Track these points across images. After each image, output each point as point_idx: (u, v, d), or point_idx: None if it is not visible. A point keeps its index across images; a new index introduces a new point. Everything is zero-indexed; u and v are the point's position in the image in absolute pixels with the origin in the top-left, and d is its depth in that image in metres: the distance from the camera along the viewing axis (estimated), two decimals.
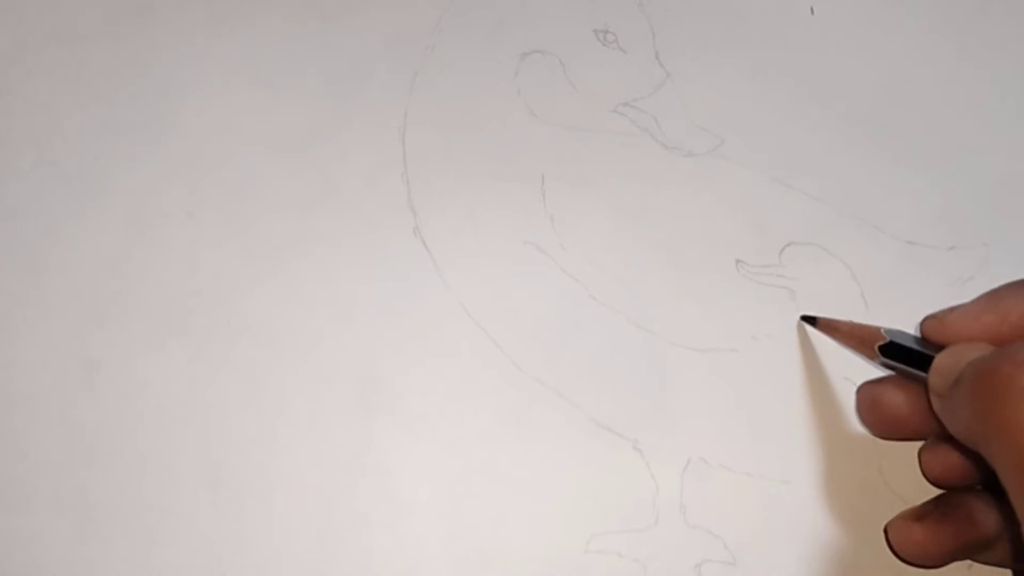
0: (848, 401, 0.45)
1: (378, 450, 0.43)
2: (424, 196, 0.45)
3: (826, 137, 0.48)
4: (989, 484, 0.42)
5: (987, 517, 0.41)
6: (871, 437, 0.45)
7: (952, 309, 0.40)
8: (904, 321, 0.46)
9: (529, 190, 0.46)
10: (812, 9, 0.49)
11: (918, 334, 0.41)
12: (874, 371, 0.43)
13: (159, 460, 0.42)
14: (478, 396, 0.44)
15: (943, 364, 0.38)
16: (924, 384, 0.39)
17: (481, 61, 0.47)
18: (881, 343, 0.41)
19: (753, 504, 0.44)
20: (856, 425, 0.45)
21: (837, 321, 0.44)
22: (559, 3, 0.48)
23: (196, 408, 0.43)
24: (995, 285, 0.47)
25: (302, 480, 0.43)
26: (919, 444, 0.44)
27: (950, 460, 0.41)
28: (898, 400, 0.42)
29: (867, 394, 0.43)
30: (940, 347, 0.39)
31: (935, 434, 0.41)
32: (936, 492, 0.44)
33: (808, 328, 0.45)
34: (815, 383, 0.45)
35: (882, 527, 0.44)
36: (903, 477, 0.45)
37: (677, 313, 0.46)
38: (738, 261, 0.46)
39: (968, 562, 0.44)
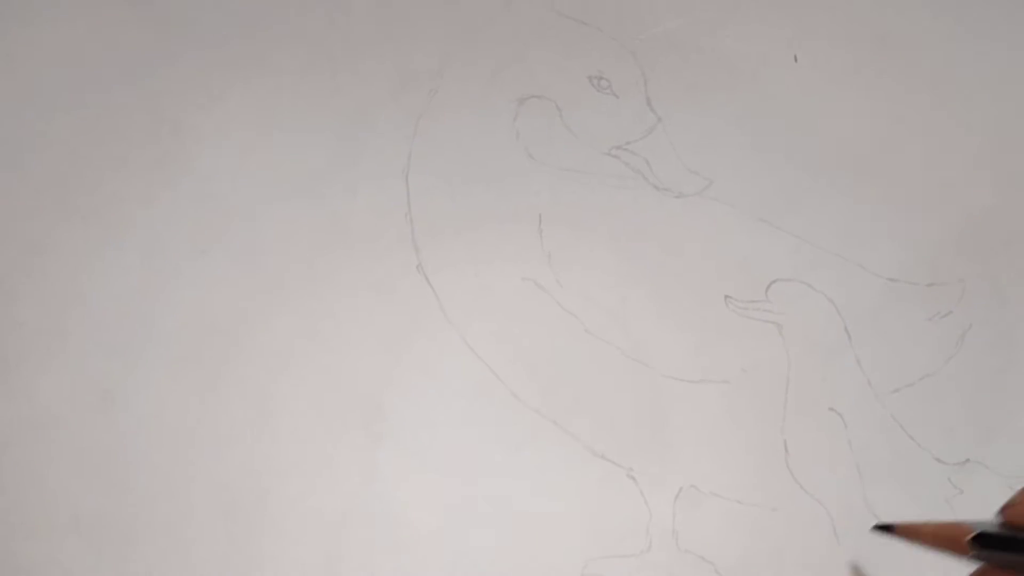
0: (832, 429, 0.47)
1: (383, 479, 0.45)
2: (427, 234, 0.47)
3: (810, 179, 0.50)
4: None
5: None
6: (851, 468, 0.47)
7: None
8: (887, 354, 0.48)
9: (527, 229, 0.48)
10: (796, 57, 0.52)
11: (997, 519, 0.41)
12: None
13: (173, 486, 0.44)
14: (479, 426, 0.46)
15: None
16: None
17: (481, 106, 0.49)
18: (971, 535, 0.40)
19: (743, 530, 0.46)
20: (842, 455, 0.47)
21: (918, 524, 0.42)
22: (555, 50, 0.50)
23: (208, 437, 0.45)
24: (971, 319, 0.49)
25: (310, 507, 0.44)
26: (910, 449, 0.46)
27: None
28: None
29: None
30: None
31: None
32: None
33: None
34: (803, 412, 0.47)
35: (866, 551, 0.46)
36: (888, 504, 0.47)
37: (669, 346, 0.48)
38: (727, 297, 0.48)
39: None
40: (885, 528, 0.44)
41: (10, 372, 0.45)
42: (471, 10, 0.50)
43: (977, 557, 0.40)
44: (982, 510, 0.47)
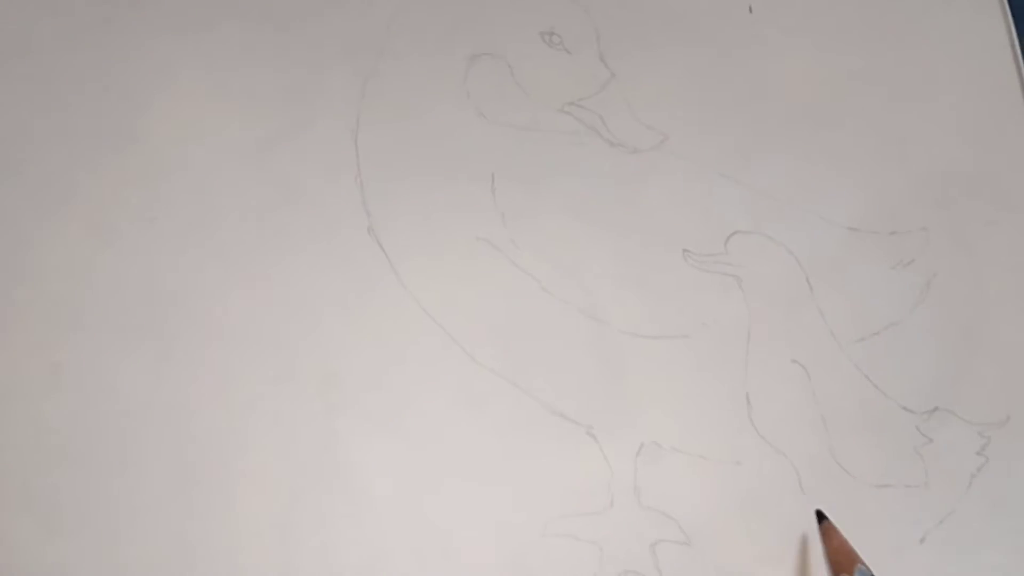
0: (795, 381, 0.47)
1: (339, 445, 0.44)
2: (378, 197, 0.47)
3: (767, 132, 0.50)
4: None
5: None
6: (816, 420, 0.47)
7: None
8: (850, 304, 0.48)
9: (480, 188, 0.47)
10: (751, 8, 0.51)
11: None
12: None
13: (127, 459, 0.43)
14: (435, 389, 0.45)
15: None
16: None
17: (431, 65, 0.48)
18: None
19: (707, 485, 0.45)
20: (805, 407, 0.47)
21: (835, 531, 0.43)
22: (506, 7, 0.49)
23: (162, 408, 0.44)
24: (936, 267, 0.49)
25: (267, 476, 0.44)
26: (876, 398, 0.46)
27: None
28: None
29: None
30: None
31: None
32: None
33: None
34: (765, 365, 0.47)
35: (833, 503, 0.45)
36: (855, 455, 0.46)
37: (627, 303, 0.47)
38: (685, 251, 0.48)
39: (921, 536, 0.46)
40: (820, 516, 0.45)
41: None
42: None
43: None
44: (953, 460, 0.47)
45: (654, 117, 0.49)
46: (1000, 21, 0.53)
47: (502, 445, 0.45)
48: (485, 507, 0.44)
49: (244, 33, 0.48)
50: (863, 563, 0.41)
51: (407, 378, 0.45)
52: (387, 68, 0.48)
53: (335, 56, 0.48)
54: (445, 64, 0.49)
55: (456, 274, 0.46)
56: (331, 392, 0.45)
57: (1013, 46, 0.52)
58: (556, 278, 0.47)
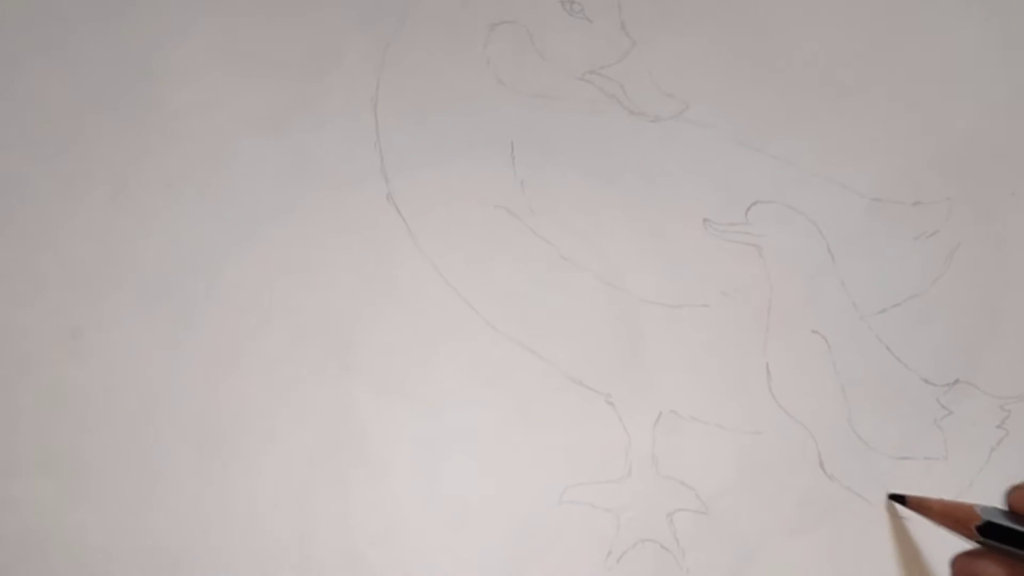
0: (815, 351, 0.46)
1: (356, 413, 0.44)
2: (397, 164, 0.47)
3: (790, 100, 0.49)
4: None
5: None
6: (836, 391, 0.46)
7: None
8: (872, 275, 0.47)
9: (499, 156, 0.47)
10: None
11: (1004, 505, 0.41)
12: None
13: (147, 424, 0.44)
14: (453, 356, 0.45)
15: None
16: None
17: (451, 32, 0.48)
18: (978, 523, 0.40)
19: (724, 455, 0.45)
20: (826, 378, 0.46)
21: (928, 500, 0.43)
22: None
23: (181, 373, 0.44)
24: (959, 238, 0.48)
25: (283, 441, 0.44)
26: (897, 370, 0.45)
27: None
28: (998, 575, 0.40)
29: (964, 567, 0.41)
30: None
31: None
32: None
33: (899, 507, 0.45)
34: (785, 335, 0.46)
35: (850, 472, 0.45)
36: (875, 426, 0.46)
37: (647, 271, 0.47)
38: (705, 220, 0.47)
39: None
40: (898, 498, 0.44)
41: None
42: None
43: (984, 544, 0.40)
44: (974, 432, 0.47)
45: (675, 86, 0.49)
46: None
47: (520, 412, 0.45)
48: (502, 474, 0.44)
49: (262, 2, 0.48)
50: (976, 505, 0.41)
51: (425, 345, 0.45)
52: (406, 36, 0.48)
53: (354, 24, 0.48)
54: (465, 32, 0.48)
55: (475, 242, 0.46)
56: (348, 359, 0.45)
57: None
58: (575, 246, 0.47)
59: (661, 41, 0.49)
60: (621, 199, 0.47)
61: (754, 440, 0.45)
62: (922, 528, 0.45)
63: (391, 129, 0.47)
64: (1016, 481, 0.41)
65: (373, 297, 0.45)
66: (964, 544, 0.41)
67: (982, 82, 0.51)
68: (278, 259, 0.46)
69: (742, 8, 0.50)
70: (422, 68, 0.48)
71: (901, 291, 0.48)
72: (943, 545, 0.43)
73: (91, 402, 0.44)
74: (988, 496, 0.45)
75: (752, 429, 0.45)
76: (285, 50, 0.48)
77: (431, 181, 0.47)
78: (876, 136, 0.49)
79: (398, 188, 0.46)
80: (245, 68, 0.47)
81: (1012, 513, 0.40)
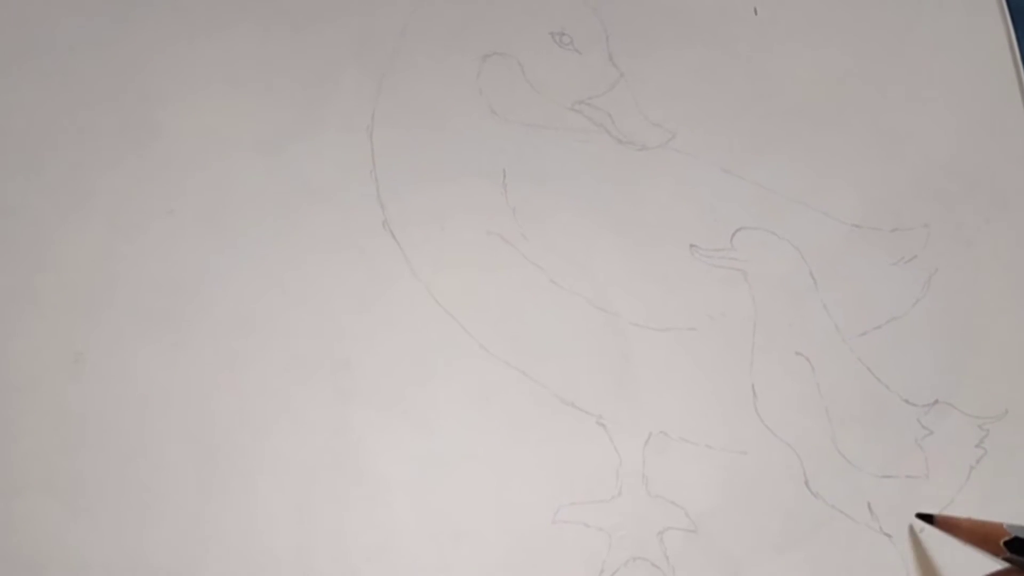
0: (799, 373, 0.48)
1: (353, 432, 0.45)
2: (392, 191, 0.48)
3: (772, 130, 0.51)
4: None
5: None
6: (820, 411, 0.48)
7: None
8: (853, 298, 0.49)
9: (492, 184, 0.48)
10: (756, 10, 0.52)
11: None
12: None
13: (146, 444, 0.44)
14: (447, 378, 0.46)
15: None
16: None
17: (444, 63, 0.50)
18: (1007, 539, 0.41)
19: (713, 474, 0.46)
20: (810, 399, 0.48)
21: (956, 518, 0.44)
22: (517, 8, 0.51)
23: (180, 395, 0.45)
24: (937, 263, 0.50)
25: (281, 462, 0.45)
26: (878, 391, 0.47)
27: None
28: None
29: None
30: None
31: None
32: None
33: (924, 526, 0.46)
34: (770, 357, 0.48)
35: (834, 490, 0.46)
36: (858, 445, 0.47)
37: (636, 295, 0.48)
38: (692, 246, 0.49)
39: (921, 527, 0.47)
40: (926, 517, 0.45)
41: None
42: None
43: (1010, 560, 0.41)
44: (953, 451, 0.48)
45: (662, 115, 0.50)
46: (999, 20, 0.54)
47: (513, 434, 0.46)
48: (497, 494, 0.45)
49: (260, 32, 0.49)
50: (1005, 524, 0.41)
51: (420, 368, 0.46)
52: (401, 66, 0.49)
53: (350, 54, 0.49)
54: (458, 63, 0.50)
55: (469, 267, 0.47)
56: (345, 381, 0.46)
57: (1012, 45, 0.53)
58: (566, 271, 0.48)
59: (648, 72, 0.51)
60: (610, 225, 0.49)
61: (741, 459, 0.47)
62: (944, 551, 0.46)
63: (387, 157, 0.48)
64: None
65: (369, 320, 0.46)
66: (992, 565, 0.42)
67: (958, 112, 0.52)
68: (276, 283, 0.47)
69: (726, 41, 0.52)
70: (417, 97, 0.49)
71: (882, 314, 0.49)
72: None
73: (91, 423, 0.44)
74: (971, 513, 0.47)
75: (739, 449, 0.47)
76: (282, 79, 0.49)
77: (426, 208, 0.48)
78: (856, 165, 0.51)
79: (394, 215, 0.48)
80: (243, 95, 0.49)
81: None
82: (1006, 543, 0.41)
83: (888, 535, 0.46)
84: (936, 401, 0.48)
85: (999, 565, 0.42)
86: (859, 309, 0.49)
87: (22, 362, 0.45)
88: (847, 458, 0.47)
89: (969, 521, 0.43)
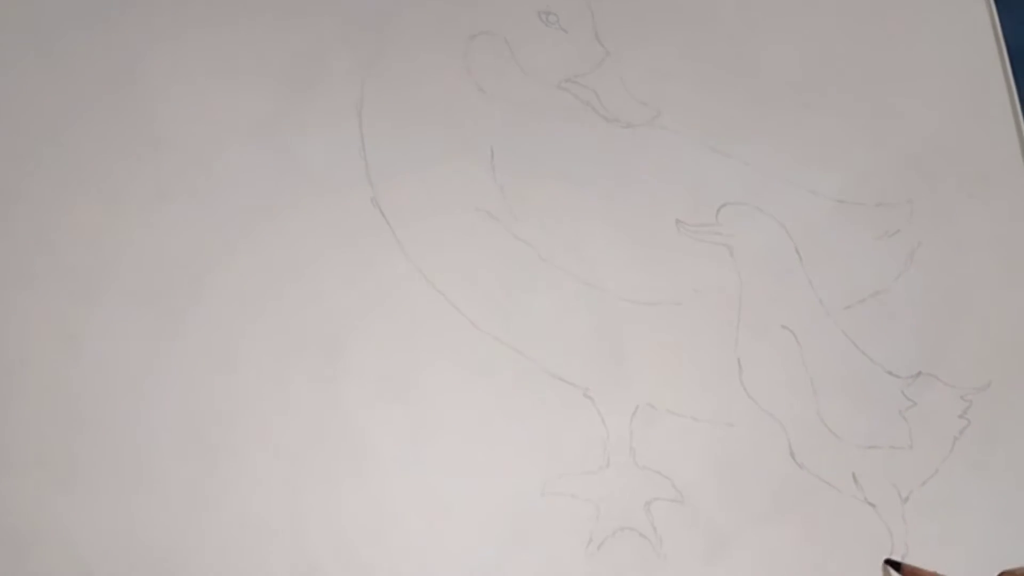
0: (784, 346, 0.48)
1: (344, 408, 0.46)
2: (381, 169, 0.48)
3: (757, 107, 0.51)
4: None
5: None
6: (805, 384, 0.48)
7: None
8: (837, 273, 0.49)
9: (480, 162, 0.49)
10: None
11: None
12: None
13: (139, 423, 0.45)
14: (438, 354, 0.47)
15: None
16: None
17: (432, 43, 0.50)
18: None
19: (699, 446, 0.47)
20: (795, 371, 0.48)
21: (922, 571, 0.45)
22: None
23: (172, 373, 0.45)
24: (920, 238, 0.50)
25: (274, 439, 0.45)
26: (862, 363, 0.47)
27: None
28: None
29: None
30: None
31: None
32: None
33: None
34: (756, 331, 0.48)
35: (819, 462, 0.47)
36: (842, 417, 0.48)
37: (623, 271, 0.48)
38: (678, 221, 0.49)
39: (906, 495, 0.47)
40: (894, 565, 0.46)
41: None
42: None
43: None
44: (937, 422, 0.48)
45: (647, 93, 0.51)
46: (982, 2, 0.54)
47: (502, 407, 0.46)
48: (486, 467, 0.46)
49: (250, 18, 0.50)
50: None
51: (410, 344, 0.47)
52: (389, 48, 0.50)
53: (339, 35, 0.50)
54: (446, 42, 0.50)
55: (457, 244, 0.48)
56: (336, 358, 0.46)
57: (994, 25, 0.54)
58: (554, 247, 0.48)
59: (633, 51, 0.52)
60: (597, 202, 0.49)
61: (727, 431, 0.47)
62: None
63: (375, 136, 0.49)
64: (1009, 566, 0.43)
65: (359, 298, 0.47)
66: None
67: (940, 89, 0.53)
68: (267, 262, 0.47)
69: (711, 19, 0.53)
70: (405, 77, 0.50)
71: (865, 288, 0.50)
72: None
73: (85, 402, 0.45)
74: (954, 486, 0.47)
75: (725, 421, 0.47)
76: (272, 61, 0.49)
77: (415, 186, 0.48)
78: (840, 141, 0.52)
79: (383, 193, 0.48)
80: (233, 78, 0.49)
81: None
82: None
83: (872, 504, 0.47)
84: (919, 373, 0.49)
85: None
86: (843, 283, 0.50)
87: (17, 342, 0.45)
88: (832, 430, 0.48)
89: (934, 575, 0.44)
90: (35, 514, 0.44)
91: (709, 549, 0.46)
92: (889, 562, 0.46)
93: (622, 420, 0.47)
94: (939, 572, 0.44)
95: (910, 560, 0.46)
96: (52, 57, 0.49)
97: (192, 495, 0.44)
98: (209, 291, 0.47)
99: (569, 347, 0.47)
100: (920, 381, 0.49)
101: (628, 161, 0.50)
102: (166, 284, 0.46)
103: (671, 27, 0.52)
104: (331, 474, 0.45)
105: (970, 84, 0.53)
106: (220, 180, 0.48)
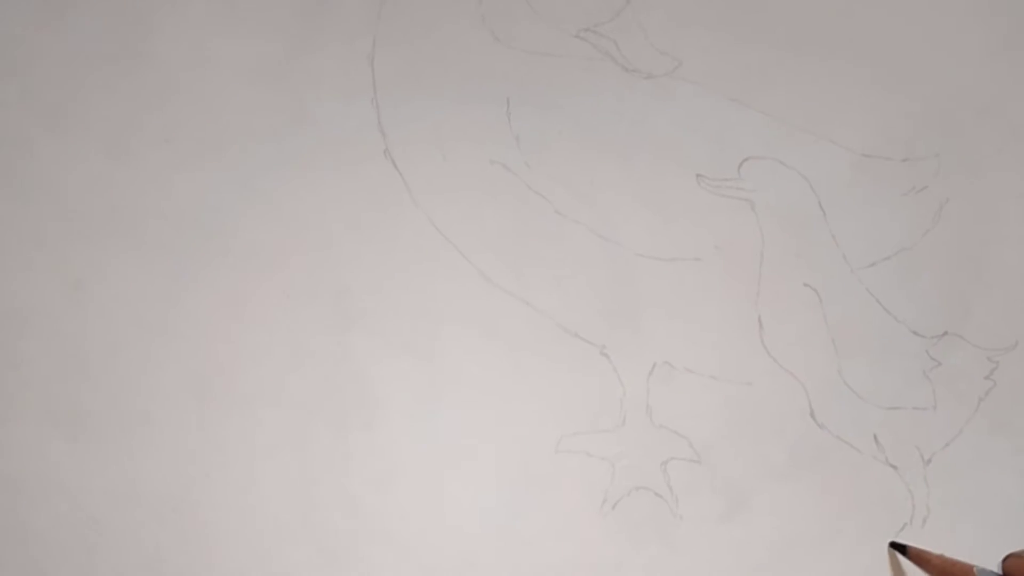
0: (806, 304, 0.47)
1: (354, 360, 0.45)
2: (393, 119, 0.47)
3: (780, 59, 0.50)
4: None
5: None
6: (826, 343, 0.47)
7: None
8: (862, 229, 0.48)
9: (495, 112, 0.48)
10: None
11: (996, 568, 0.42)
12: None
13: (146, 372, 0.44)
14: (449, 307, 0.46)
15: None
16: None
17: None
18: None
19: (717, 405, 0.46)
20: (817, 330, 0.47)
21: (928, 553, 0.44)
22: None
23: (179, 323, 0.45)
24: (948, 193, 0.49)
25: (282, 389, 0.44)
26: (886, 322, 0.46)
27: None
28: None
29: None
30: None
31: None
32: None
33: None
34: (777, 288, 0.47)
35: (840, 421, 0.46)
36: (864, 377, 0.47)
37: (641, 225, 0.47)
38: (698, 175, 0.48)
39: (928, 457, 0.46)
40: (899, 547, 0.45)
41: None
42: None
43: None
44: (962, 383, 0.47)
45: (668, 43, 0.49)
46: None
47: (516, 363, 0.45)
48: (499, 423, 0.45)
49: None
50: (976, 567, 0.42)
51: (421, 296, 0.46)
52: None
53: None
54: None
55: (470, 196, 0.47)
56: (345, 308, 0.45)
57: None
58: (570, 201, 0.47)
59: None
60: (615, 154, 0.48)
61: (746, 390, 0.46)
62: None
63: (388, 84, 0.47)
64: (1015, 548, 0.42)
65: (370, 248, 0.46)
66: None
67: (970, 42, 0.51)
68: (276, 211, 0.46)
69: None
70: (417, 24, 0.48)
71: (891, 245, 0.48)
72: None
73: (92, 351, 0.44)
74: (977, 448, 0.46)
75: (744, 380, 0.46)
76: (281, 6, 0.48)
77: (427, 136, 0.47)
78: (866, 94, 0.50)
79: (395, 142, 0.47)
80: (241, 23, 0.48)
81: None
82: None
83: (894, 466, 0.46)
84: (945, 333, 0.48)
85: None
86: (868, 240, 0.48)
87: (22, 290, 0.45)
88: (854, 390, 0.47)
89: (940, 558, 0.43)
90: (40, 463, 0.43)
91: (726, 509, 0.45)
92: (894, 545, 0.45)
93: (639, 378, 0.46)
94: (946, 554, 0.43)
95: (930, 524, 0.45)
96: (59, 4, 0.48)
97: (200, 445, 0.44)
98: (217, 240, 0.46)
99: (584, 303, 0.46)
100: (945, 341, 0.48)
101: (648, 113, 0.48)
102: (174, 232, 0.46)
103: None
104: (339, 427, 0.44)
105: (1001, 37, 0.51)
106: (226, 126, 0.47)
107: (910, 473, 0.46)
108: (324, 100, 0.47)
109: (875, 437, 0.46)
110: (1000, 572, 0.42)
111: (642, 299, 0.46)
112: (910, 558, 0.44)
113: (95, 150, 0.46)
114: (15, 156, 0.46)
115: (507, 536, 0.44)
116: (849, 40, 0.51)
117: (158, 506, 0.43)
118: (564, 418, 0.45)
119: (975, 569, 0.41)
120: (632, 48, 0.49)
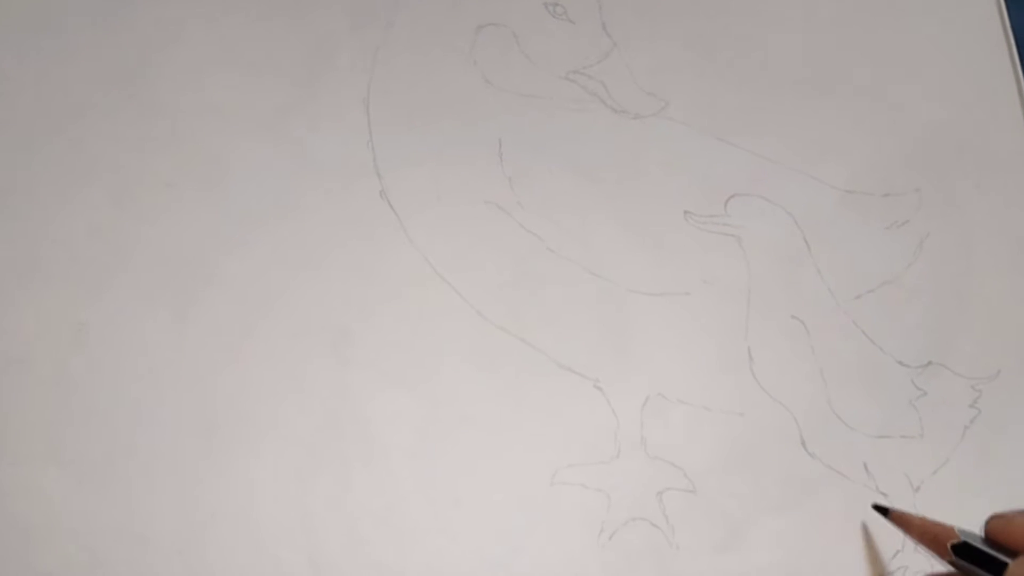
0: (794, 336, 0.48)
1: (353, 399, 0.46)
2: (389, 161, 0.48)
3: (764, 97, 0.51)
4: None
5: None
6: (815, 373, 0.48)
7: (1020, 512, 0.41)
8: (846, 263, 0.49)
9: (488, 153, 0.49)
10: None
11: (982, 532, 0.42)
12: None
13: (149, 414, 0.45)
14: (446, 345, 0.47)
15: (1016, 574, 0.39)
16: None
17: (439, 35, 0.50)
18: (954, 542, 0.41)
19: (710, 435, 0.47)
20: (805, 361, 0.48)
21: (909, 516, 0.44)
22: None
23: (182, 364, 0.45)
24: (928, 228, 0.50)
25: (283, 430, 0.45)
26: (872, 353, 0.48)
27: None
28: None
29: None
30: (1012, 552, 0.40)
31: None
32: None
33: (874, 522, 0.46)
34: (765, 320, 0.48)
35: (830, 451, 0.47)
36: (852, 407, 0.48)
37: (631, 262, 0.48)
38: (686, 212, 0.49)
39: (917, 485, 0.47)
40: (881, 510, 0.45)
41: None
42: None
43: (954, 564, 0.41)
44: (947, 412, 0.48)
45: (655, 84, 0.51)
46: None
47: (512, 398, 0.46)
48: (496, 457, 0.46)
49: (258, 9, 0.50)
50: (956, 527, 0.42)
51: (419, 335, 0.47)
52: (396, 39, 0.50)
53: (345, 27, 0.50)
54: (452, 34, 0.50)
55: (465, 235, 0.48)
56: (346, 349, 0.46)
57: (1001, 12, 0.54)
58: (562, 238, 0.48)
59: (641, 42, 0.52)
60: (605, 193, 0.49)
61: (738, 421, 0.47)
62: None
63: (383, 128, 0.49)
64: (998, 509, 0.42)
65: (368, 289, 0.47)
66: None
67: (947, 78, 0.53)
68: (276, 254, 0.47)
69: (717, 10, 0.53)
70: (411, 69, 0.50)
71: (874, 278, 0.50)
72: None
73: (95, 393, 0.45)
74: (965, 475, 0.47)
75: (736, 410, 0.47)
76: (279, 53, 0.50)
77: (422, 178, 0.48)
78: (847, 131, 0.52)
79: (391, 184, 0.48)
80: (241, 71, 0.49)
81: (989, 540, 0.41)
82: (953, 547, 0.41)
83: (884, 494, 0.47)
84: (929, 363, 0.49)
85: (946, 567, 0.42)
86: (852, 273, 0.49)
87: (26, 333, 0.45)
88: (843, 419, 0.48)
89: (922, 520, 0.43)
90: (44, 506, 0.44)
91: (722, 538, 0.46)
92: (877, 507, 0.46)
93: (632, 410, 0.47)
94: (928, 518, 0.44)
95: (922, 549, 0.45)
96: (62, 50, 0.49)
97: (202, 486, 0.44)
98: (218, 283, 0.47)
99: (578, 338, 0.47)
100: (930, 370, 0.49)
101: (636, 152, 0.50)
102: (175, 276, 0.47)
103: (679, 18, 0.52)
104: (340, 465, 0.45)
105: (977, 73, 0.53)
106: (229, 173, 0.48)
107: (900, 501, 0.47)
108: (321, 144, 0.48)
109: (865, 465, 0.47)
110: (983, 534, 0.42)
111: (634, 333, 0.48)
112: (892, 520, 0.45)
113: (97, 194, 0.47)
114: (17, 199, 0.47)
115: (507, 568, 0.45)
116: (832, 79, 0.52)
117: (162, 547, 0.44)
118: (560, 451, 0.46)
119: (956, 530, 0.42)
120: (620, 90, 0.51)
